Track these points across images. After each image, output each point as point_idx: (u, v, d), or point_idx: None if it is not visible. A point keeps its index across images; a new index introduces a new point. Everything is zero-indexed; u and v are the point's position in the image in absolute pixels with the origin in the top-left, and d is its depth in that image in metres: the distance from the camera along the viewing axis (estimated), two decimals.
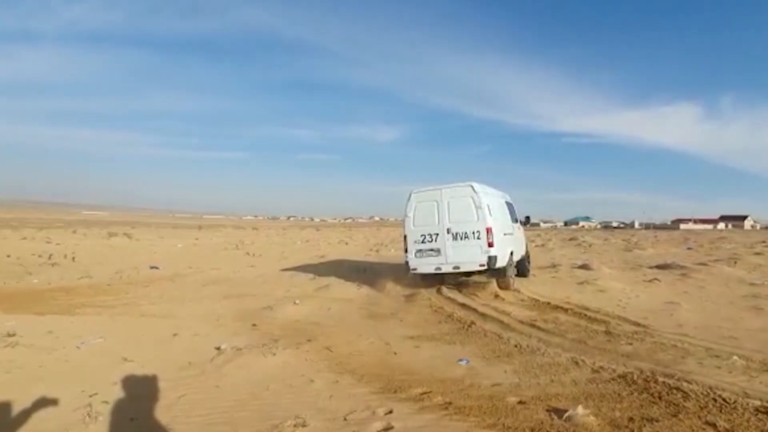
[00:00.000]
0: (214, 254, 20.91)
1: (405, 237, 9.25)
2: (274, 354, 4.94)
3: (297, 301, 7.91)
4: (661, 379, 4.33)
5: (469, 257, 8.87)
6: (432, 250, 9.07)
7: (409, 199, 9.32)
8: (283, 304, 7.87)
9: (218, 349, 5.27)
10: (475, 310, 7.65)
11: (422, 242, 9.13)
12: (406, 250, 9.27)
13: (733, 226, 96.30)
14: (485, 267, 8.83)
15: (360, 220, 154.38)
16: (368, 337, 5.87)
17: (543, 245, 29.97)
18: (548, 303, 8.37)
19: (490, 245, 8.74)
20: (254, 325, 6.51)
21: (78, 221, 62.95)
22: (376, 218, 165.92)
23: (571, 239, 38.20)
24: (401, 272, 13.21)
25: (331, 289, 9.45)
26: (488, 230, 8.77)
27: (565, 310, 7.72)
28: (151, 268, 13.35)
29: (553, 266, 15.66)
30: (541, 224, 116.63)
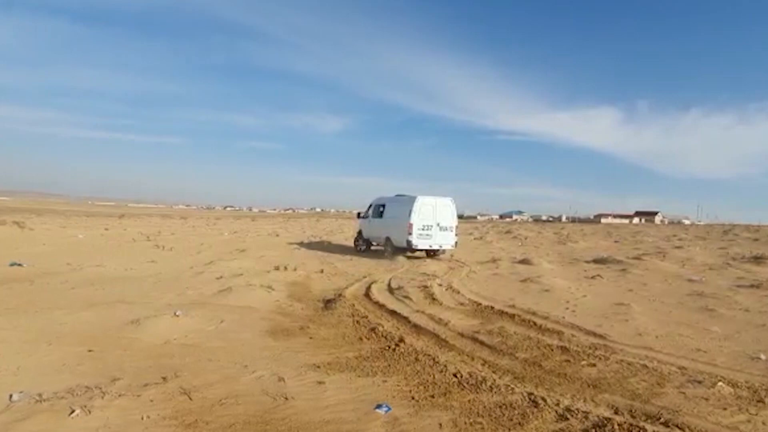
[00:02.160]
0: (116, 247, 17.94)
1: (411, 224, 14.08)
2: (91, 410, 3.17)
3: (179, 312, 6.05)
4: (649, 428, 3.15)
5: (447, 240, 14.90)
6: (428, 234, 14.41)
7: (416, 201, 14.36)
8: (160, 315, 5.97)
9: (9, 399, 3.40)
10: (406, 320, 6.26)
11: (422, 229, 14.28)
12: (409, 233, 14.09)
13: (646, 220, 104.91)
14: (453, 247, 15.26)
15: (300, 211, 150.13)
16: (257, 367, 4.24)
17: (481, 238, 29.75)
18: (491, 307, 7.20)
19: (456, 234, 15.25)
20: (90, 351, 4.60)
21: None
22: (317, 209, 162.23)
23: (507, 232, 38.72)
24: (330, 266, 11.68)
25: (234, 293, 7.64)
26: (457, 226, 15.18)
27: (512, 317, 6.57)
28: (12, 265, 10.62)
29: (493, 261, 14.86)
30: (479, 217, 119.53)
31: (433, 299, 7.80)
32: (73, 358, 4.42)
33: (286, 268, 11.12)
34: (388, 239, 15.36)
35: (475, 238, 28.97)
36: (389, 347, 4.99)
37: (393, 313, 6.64)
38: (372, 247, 16.95)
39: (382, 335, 5.46)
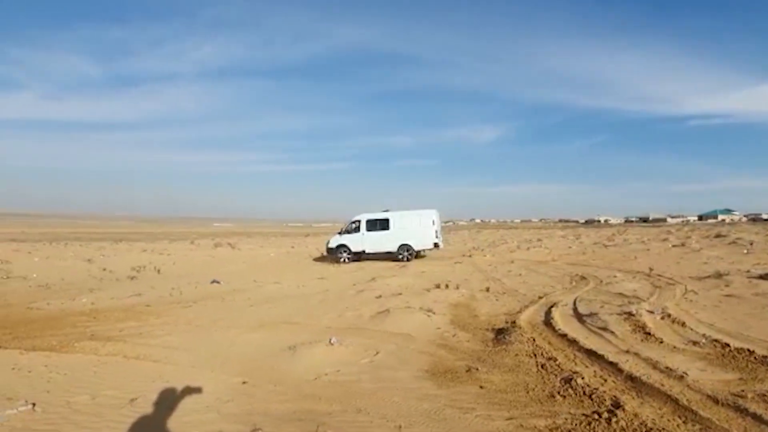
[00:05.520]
0: (296, 263, 19.86)
1: (436, 231, 18.61)
2: None
3: (334, 340, 5.54)
4: None
5: (439, 241, 18.84)
6: (439, 236, 18.82)
7: (432, 213, 18.94)
8: (315, 343, 5.57)
9: None
10: (614, 367, 4.49)
11: (437, 233, 18.66)
12: (436, 237, 18.54)
13: None
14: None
15: (460, 223, 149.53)
16: (413, 427, 3.24)
17: (682, 244, 23.71)
18: (749, 351, 4.81)
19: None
20: (244, 383, 4.28)
21: (207, 233, 69.41)
22: (477, 220, 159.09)
23: (717, 236, 30.21)
24: (496, 283, 10.29)
25: (391, 317, 6.93)
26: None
27: None
28: (212, 282, 12.24)
29: (719, 276, 11.14)
30: (668, 219, 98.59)
31: (647, 334, 5.70)
32: (226, 391, 4.15)
33: (447, 285, 10.13)
34: (403, 246, 18.57)
35: (673, 246, 23.27)
36: (599, 415, 3.42)
37: (591, 354, 4.92)
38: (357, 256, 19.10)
39: (584, 392, 3.88)
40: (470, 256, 20.08)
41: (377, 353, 5.21)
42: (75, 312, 8.25)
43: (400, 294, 9.16)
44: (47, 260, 17.81)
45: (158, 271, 16.28)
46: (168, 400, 4.03)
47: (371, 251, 19.00)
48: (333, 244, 19.43)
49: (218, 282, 12.27)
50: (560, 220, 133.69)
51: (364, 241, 19.04)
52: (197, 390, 4.29)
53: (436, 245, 18.61)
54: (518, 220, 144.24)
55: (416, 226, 18.71)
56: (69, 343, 6.11)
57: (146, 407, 3.88)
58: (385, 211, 19.53)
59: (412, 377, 4.45)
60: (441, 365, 4.77)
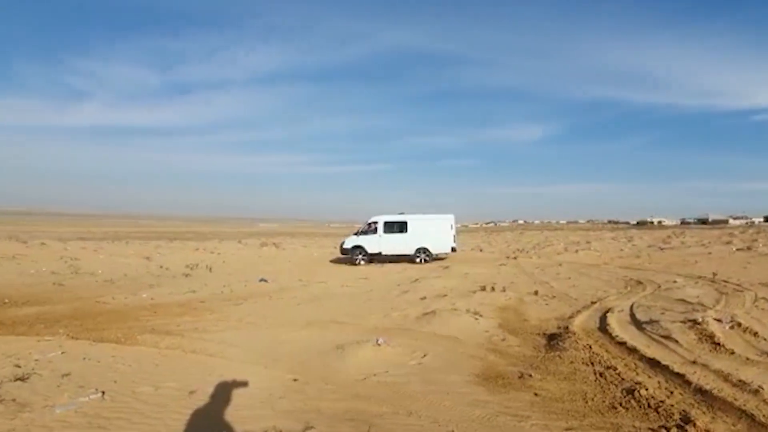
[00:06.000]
0: (339, 263, 20.16)
1: (454, 235, 19.01)
2: None
3: (381, 341, 5.55)
4: None
5: (456, 245, 19.31)
6: (456, 240, 19.28)
7: (450, 218, 19.18)
8: (363, 343, 5.60)
9: None
10: (681, 378, 4.20)
11: (454, 237, 19.03)
12: (454, 241, 18.94)
13: None
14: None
15: (502, 224, 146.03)
16: None
17: (748, 248, 21.71)
18: None
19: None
20: (295, 380, 4.37)
21: (253, 233, 71.86)
22: (520, 221, 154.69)
23: None
24: (545, 287, 9.93)
25: (437, 319, 6.86)
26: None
27: None
28: (260, 281, 12.63)
29: None
30: (730, 221, 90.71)
31: (715, 344, 5.29)
32: (279, 388, 4.25)
33: (493, 288, 9.90)
34: (421, 249, 18.70)
35: (737, 249, 21.48)
36: (667, 430, 3.20)
37: (654, 363, 4.63)
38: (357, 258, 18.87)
39: (648, 404, 3.65)
40: (515, 258, 19.58)
41: (425, 355, 5.17)
42: (137, 306, 8.77)
43: (445, 296, 9.05)
44: (111, 258, 19.10)
45: (210, 269, 17.00)
46: (224, 394, 4.18)
47: (387, 253, 19.00)
48: (348, 245, 19.29)
49: (266, 280, 12.65)
50: (609, 222, 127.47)
51: (381, 242, 19.03)
52: (251, 385, 4.43)
53: (453, 249, 18.93)
54: (563, 222, 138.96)
55: (434, 230, 18.93)
56: (132, 336, 6.50)
57: (204, 400, 4.04)
58: (400, 214, 19.57)
59: (463, 381, 4.37)
60: (492, 370, 4.66)
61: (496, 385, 4.27)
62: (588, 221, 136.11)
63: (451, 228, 19.01)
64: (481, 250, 26.16)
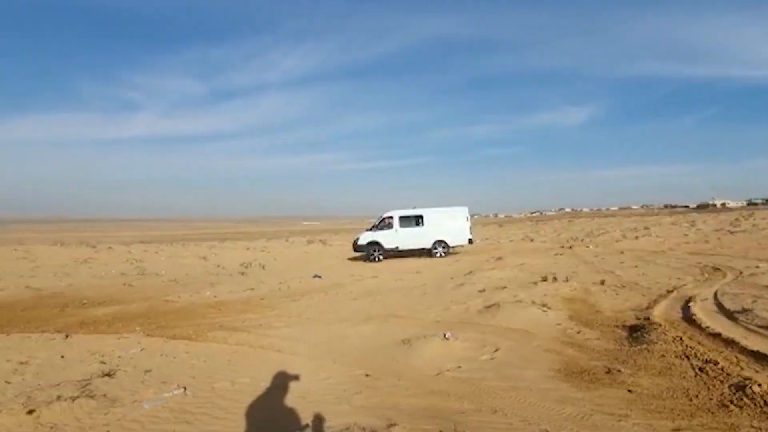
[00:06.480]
0: (386, 257, 20.14)
1: (470, 227, 18.90)
2: None
3: (448, 334, 5.38)
4: None
5: (472, 237, 19.19)
6: (472, 232, 19.16)
7: (464, 210, 19.16)
8: (429, 337, 5.46)
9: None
10: None
11: (470, 229, 18.93)
12: (470, 234, 18.84)
13: None
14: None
15: (548, 213, 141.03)
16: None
17: None
18: None
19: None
20: (367, 375, 4.29)
21: (298, 231, 73.64)
22: (567, 210, 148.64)
23: None
24: (611, 276, 9.37)
25: (502, 311, 6.59)
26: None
27: None
28: (314, 277, 12.79)
29: None
30: None
31: None
32: (352, 383, 4.19)
33: (555, 278, 9.45)
34: (438, 242, 18.41)
35: None
36: None
37: (761, 356, 4.16)
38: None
39: (765, 401, 3.26)
40: (570, 247, 18.73)
41: (497, 350, 4.95)
42: (202, 304, 9.09)
43: (505, 288, 8.72)
44: (171, 259, 20.07)
45: (263, 267, 17.46)
46: (298, 390, 4.18)
47: (405, 248, 18.70)
48: (363, 241, 18.79)
49: (319, 276, 12.80)
50: (666, 206, 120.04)
51: (398, 237, 18.71)
52: (323, 380, 4.40)
53: (470, 241, 18.97)
54: (615, 208, 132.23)
55: (450, 223, 18.80)
56: (202, 333, 6.72)
57: (279, 395, 4.05)
58: (413, 208, 19.36)
59: (543, 377, 4.12)
60: (574, 365, 4.37)
61: (582, 380, 3.98)
62: (642, 206, 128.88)
63: (467, 220, 18.93)
64: (531, 240, 25.30)
